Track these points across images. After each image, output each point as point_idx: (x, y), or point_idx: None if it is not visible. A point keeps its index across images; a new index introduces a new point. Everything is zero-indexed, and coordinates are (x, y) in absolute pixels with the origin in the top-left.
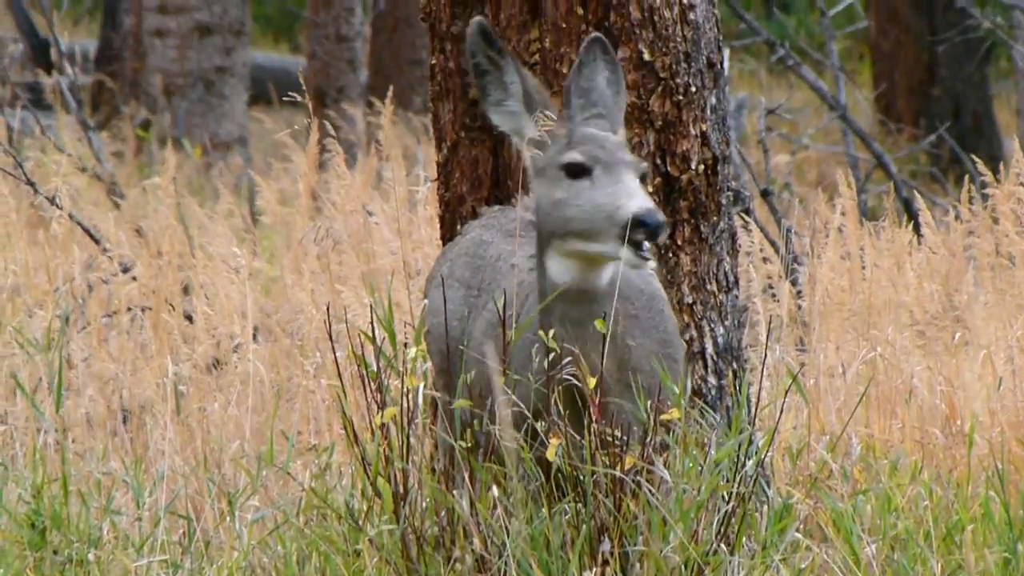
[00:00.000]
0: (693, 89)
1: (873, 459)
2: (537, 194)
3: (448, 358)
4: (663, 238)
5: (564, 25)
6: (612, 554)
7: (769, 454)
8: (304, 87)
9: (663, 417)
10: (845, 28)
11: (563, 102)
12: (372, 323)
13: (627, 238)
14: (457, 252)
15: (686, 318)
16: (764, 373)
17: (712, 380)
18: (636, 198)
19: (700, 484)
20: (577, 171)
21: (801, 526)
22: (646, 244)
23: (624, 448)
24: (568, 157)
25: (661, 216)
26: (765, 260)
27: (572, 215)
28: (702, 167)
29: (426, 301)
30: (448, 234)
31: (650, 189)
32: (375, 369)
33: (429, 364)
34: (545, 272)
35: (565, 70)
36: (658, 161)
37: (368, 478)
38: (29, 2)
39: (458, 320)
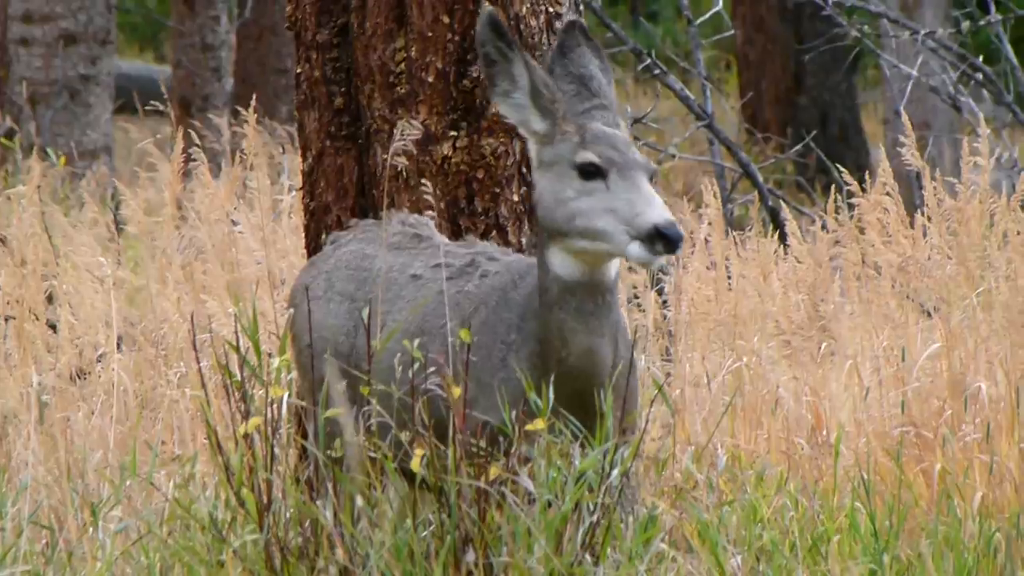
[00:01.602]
0: None
1: (739, 469)
2: (540, 188)
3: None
4: (681, 251)
5: (430, 34)
6: (476, 565)
7: (634, 465)
8: (168, 96)
9: (527, 428)
10: (712, 37)
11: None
12: (236, 333)
13: (645, 246)
14: (335, 265)
15: None
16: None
17: None
18: (656, 207)
19: (565, 495)
20: (591, 172)
21: (666, 537)
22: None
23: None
24: (582, 157)
25: (681, 228)
26: (631, 269)
27: (582, 215)
28: None
29: (294, 312)
30: (313, 243)
31: (516, 199)
32: (239, 379)
33: (294, 375)
34: (547, 267)
35: (431, 79)
36: (524, 170)
37: (232, 488)
38: None
39: (344, 335)
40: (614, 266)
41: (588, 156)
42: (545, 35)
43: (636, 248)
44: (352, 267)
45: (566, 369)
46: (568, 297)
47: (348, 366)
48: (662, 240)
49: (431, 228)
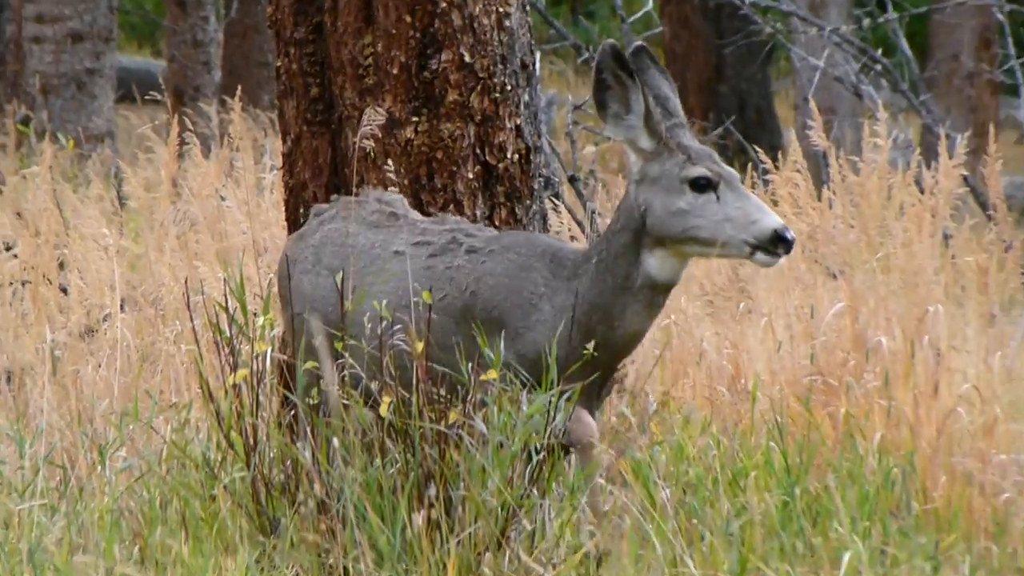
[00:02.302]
0: (509, 88)
1: (667, 414)
2: (647, 201)
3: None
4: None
5: (394, 31)
6: (437, 498)
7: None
8: (164, 87)
9: (481, 378)
10: (643, 33)
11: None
12: (225, 295)
13: (765, 248)
14: (321, 241)
15: None
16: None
17: None
18: (770, 214)
19: (515, 437)
20: (703, 186)
21: (604, 473)
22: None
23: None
24: (695, 172)
25: (791, 234)
26: (572, 238)
27: (698, 224)
28: (517, 156)
29: (284, 281)
30: (292, 216)
31: (471, 176)
32: (228, 335)
33: (278, 332)
34: (639, 265)
35: (395, 71)
36: (478, 151)
37: (222, 432)
38: None
39: (332, 305)
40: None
41: (700, 171)
42: (496, 32)
43: (759, 254)
44: (337, 243)
45: (608, 338)
46: (647, 291)
47: (336, 330)
48: (782, 243)
49: (404, 205)
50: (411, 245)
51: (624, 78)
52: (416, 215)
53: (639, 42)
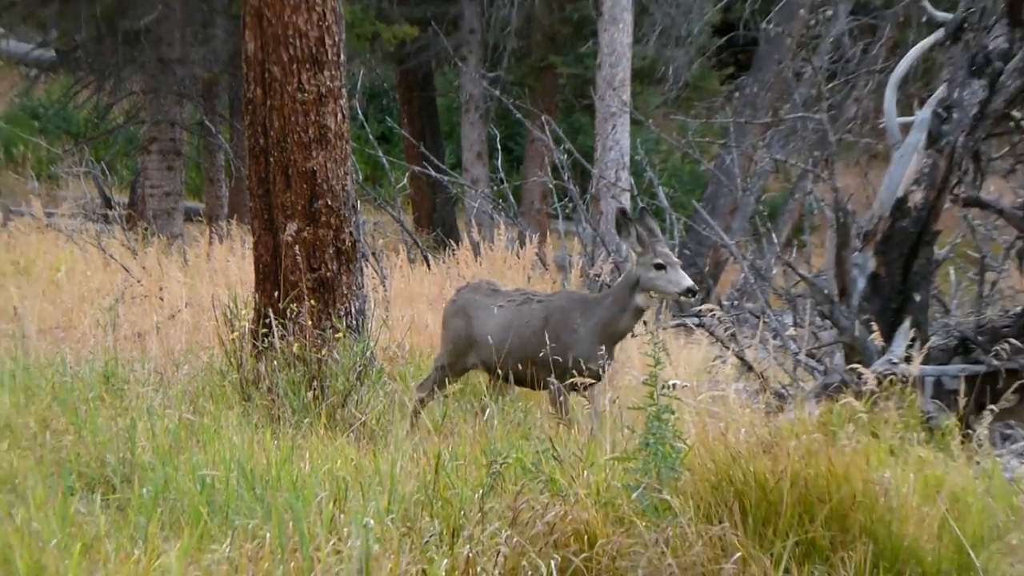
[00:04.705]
0: (346, 215)
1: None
2: (639, 274)
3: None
4: (699, 298)
5: (298, 191)
6: (317, 385)
7: (371, 349)
8: (203, 215)
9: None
10: (403, 193)
11: (627, 233)
12: (228, 302)
13: (683, 295)
14: (463, 302)
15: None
16: (373, 315)
17: (350, 321)
18: (687, 280)
19: (351, 359)
20: (660, 267)
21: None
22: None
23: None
24: (656, 260)
25: (697, 288)
26: (374, 278)
27: (659, 284)
28: (350, 244)
29: (448, 320)
30: (257, 268)
31: (332, 251)
32: (229, 317)
33: (251, 315)
34: (632, 300)
35: (300, 208)
36: (334, 241)
37: (228, 358)
38: (103, 182)
39: (466, 332)
40: (655, 303)
41: (658, 260)
42: (342, 191)
43: (683, 297)
44: (470, 304)
45: (617, 331)
46: (634, 310)
47: (469, 341)
48: (691, 292)
49: (501, 285)
50: (507, 301)
51: (625, 223)
52: (507, 290)
53: (643, 206)
